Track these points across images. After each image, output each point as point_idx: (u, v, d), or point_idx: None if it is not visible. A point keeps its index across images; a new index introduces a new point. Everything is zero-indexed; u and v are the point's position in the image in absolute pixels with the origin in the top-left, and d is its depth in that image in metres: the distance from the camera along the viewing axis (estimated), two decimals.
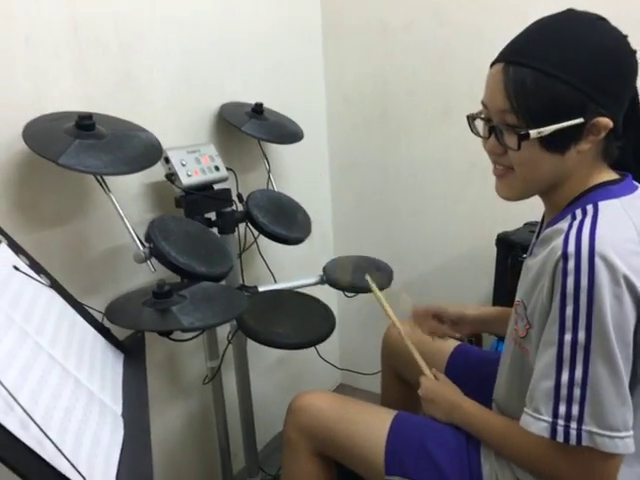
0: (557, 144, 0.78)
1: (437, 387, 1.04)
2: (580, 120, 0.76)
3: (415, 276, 1.85)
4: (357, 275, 1.46)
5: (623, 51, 0.79)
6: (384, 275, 1.46)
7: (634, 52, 0.80)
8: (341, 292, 1.47)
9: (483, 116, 0.86)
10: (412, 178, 1.85)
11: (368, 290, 1.41)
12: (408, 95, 1.79)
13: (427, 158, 1.80)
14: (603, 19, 0.80)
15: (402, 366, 1.27)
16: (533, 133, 0.77)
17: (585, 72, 0.76)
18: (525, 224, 1.54)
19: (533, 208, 0.97)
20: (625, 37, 0.80)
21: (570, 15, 0.81)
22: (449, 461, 0.93)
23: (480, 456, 0.93)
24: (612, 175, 0.84)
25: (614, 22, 0.80)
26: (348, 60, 1.87)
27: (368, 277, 1.24)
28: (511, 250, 1.47)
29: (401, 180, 1.88)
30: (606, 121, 0.77)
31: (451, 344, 1.25)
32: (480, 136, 0.89)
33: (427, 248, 1.84)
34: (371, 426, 1.01)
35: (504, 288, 1.49)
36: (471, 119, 0.89)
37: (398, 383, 1.32)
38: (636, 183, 0.86)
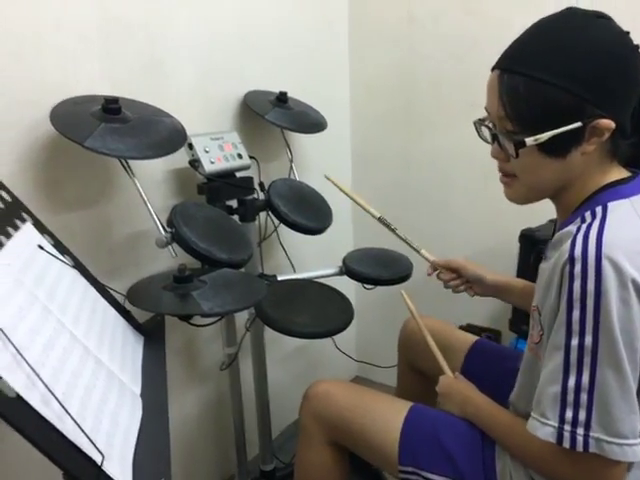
0: (557, 149, 0.77)
1: (453, 382, 1.05)
2: (578, 124, 0.74)
3: None
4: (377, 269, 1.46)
5: (623, 48, 0.76)
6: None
7: (636, 47, 0.77)
8: (360, 284, 1.47)
9: (487, 122, 0.85)
10: (435, 171, 1.83)
11: (387, 283, 1.41)
12: (433, 87, 1.76)
13: (451, 151, 1.78)
14: (603, 16, 0.77)
15: (419, 358, 1.27)
16: (529, 140, 0.76)
17: (579, 74, 0.73)
18: (549, 221, 1.52)
19: None
20: (627, 33, 0.77)
21: (566, 15, 0.78)
22: (463, 455, 0.92)
23: (495, 452, 0.92)
24: (622, 173, 0.82)
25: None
26: (373, 50, 1.86)
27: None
28: (534, 247, 1.45)
29: (423, 173, 1.86)
30: (607, 122, 0.74)
31: (470, 339, 1.24)
32: (487, 141, 0.88)
33: (448, 242, 1.81)
34: (386, 416, 1.01)
35: None
36: (478, 124, 0.88)
37: (414, 375, 1.31)
38: None
